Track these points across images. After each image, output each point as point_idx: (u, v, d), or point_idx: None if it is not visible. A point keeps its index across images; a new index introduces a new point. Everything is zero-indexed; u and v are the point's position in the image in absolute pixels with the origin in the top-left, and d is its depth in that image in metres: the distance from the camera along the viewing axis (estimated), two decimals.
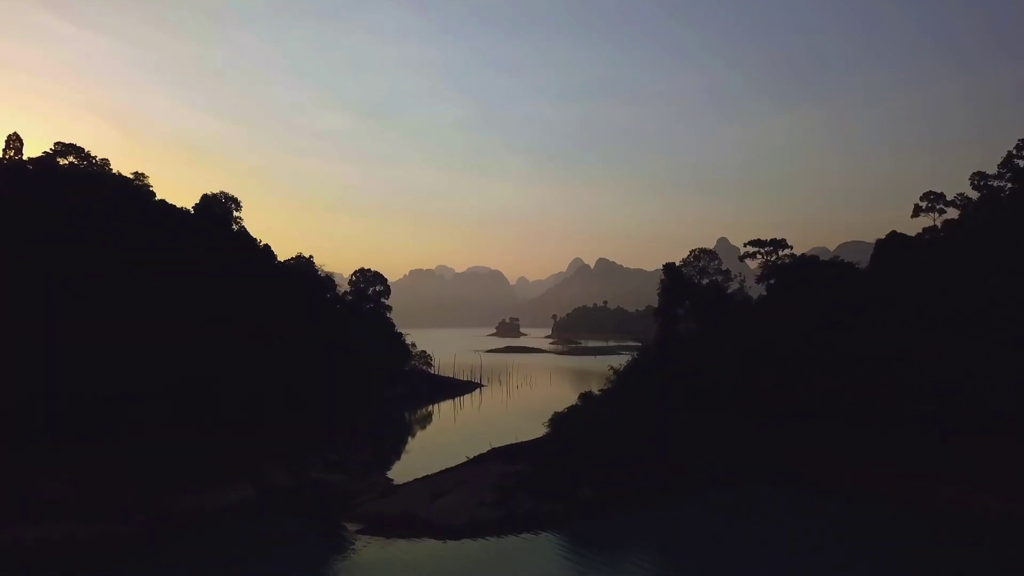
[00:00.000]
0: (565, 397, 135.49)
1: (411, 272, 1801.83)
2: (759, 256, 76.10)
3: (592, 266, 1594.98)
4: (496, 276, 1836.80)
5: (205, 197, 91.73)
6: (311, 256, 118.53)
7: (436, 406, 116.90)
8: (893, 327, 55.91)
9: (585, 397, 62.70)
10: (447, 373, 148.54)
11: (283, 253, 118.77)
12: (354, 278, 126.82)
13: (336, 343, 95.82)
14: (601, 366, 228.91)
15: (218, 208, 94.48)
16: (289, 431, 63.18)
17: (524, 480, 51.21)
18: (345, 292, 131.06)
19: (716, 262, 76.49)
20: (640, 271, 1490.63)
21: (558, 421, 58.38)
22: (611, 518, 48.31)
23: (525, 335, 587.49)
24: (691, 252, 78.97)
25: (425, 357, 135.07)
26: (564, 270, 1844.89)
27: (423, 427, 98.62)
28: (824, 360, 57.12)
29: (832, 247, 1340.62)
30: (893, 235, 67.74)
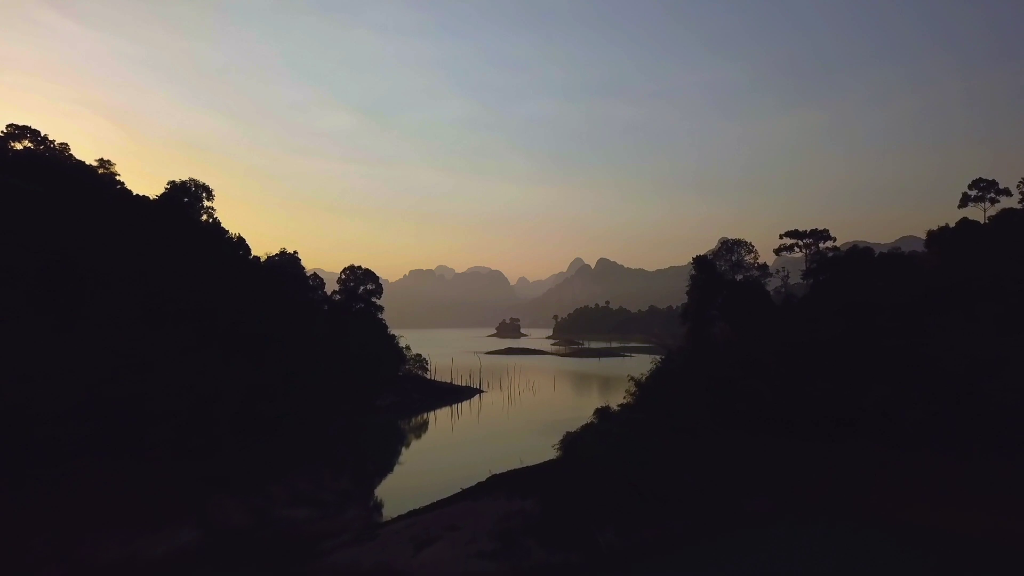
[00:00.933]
0: (571, 405, 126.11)
1: (411, 272, 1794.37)
2: (797, 249, 66.21)
3: (593, 266, 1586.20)
4: (496, 276, 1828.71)
5: (172, 185, 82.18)
6: (295, 252, 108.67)
7: (431, 414, 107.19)
8: (975, 329, 46.13)
9: (601, 413, 52.93)
10: (444, 377, 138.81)
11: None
12: (343, 276, 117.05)
13: (318, 348, 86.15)
14: (607, 369, 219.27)
15: (188, 197, 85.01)
16: (252, 455, 53.38)
17: (531, 522, 41.39)
18: (334, 292, 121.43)
19: (752, 254, 66.32)
20: (641, 271, 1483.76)
21: (570, 443, 48.65)
22: (639, 570, 38.70)
23: (526, 336, 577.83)
24: (721, 242, 68.56)
25: (420, 361, 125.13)
26: (565, 270, 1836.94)
27: (415, 441, 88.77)
28: (892, 370, 47.34)
29: (836, 246, 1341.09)
30: (965, 223, 58.03)
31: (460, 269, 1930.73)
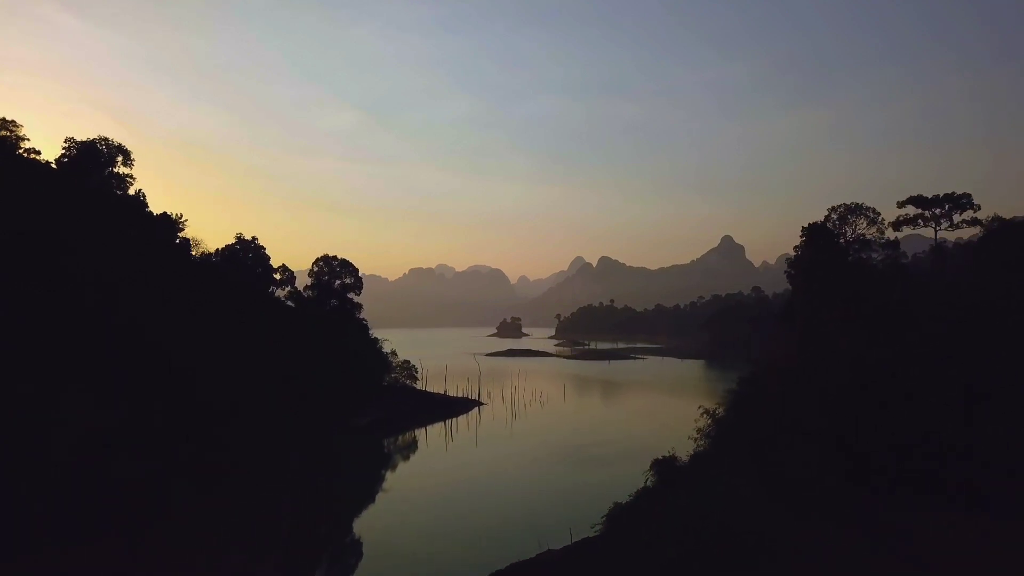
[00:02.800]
0: (587, 422, 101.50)
1: (411, 271, 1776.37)
2: (922, 223, 47.55)
3: (594, 265, 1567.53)
4: (497, 275, 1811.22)
5: (72, 144, 63.72)
6: (255, 238, 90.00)
7: (421, 432, 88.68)
8: None
9: (661, 468, 34.10)
10: (437, 385, 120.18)
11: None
12: (315, 269, 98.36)
13: (276, 359, 67.58)
14: (617, 373, 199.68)
15: (102, 160, 66.43)
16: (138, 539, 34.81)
17: None
18: (306, 287, 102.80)
19: (876, 226, 46.85)
20: (643, 270, 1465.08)
21: (621, 522, 29.98)
22: None
23: (527, 335, 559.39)
24: (833, 209, 48.50)
25: (409, 369, 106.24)
26: (565, 269, 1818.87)
27: (392, 477, 69.82)
28: None
29: None
30: None
31: (460, 268, 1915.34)
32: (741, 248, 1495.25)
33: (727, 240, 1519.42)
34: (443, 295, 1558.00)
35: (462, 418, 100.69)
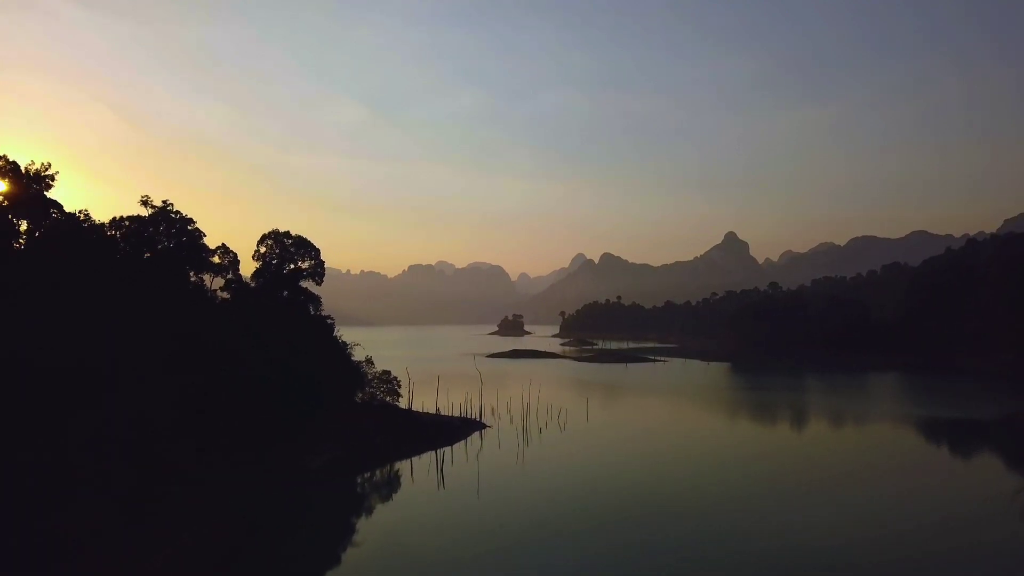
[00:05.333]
0: (627, 459, 70.89)
1: (410, 267, 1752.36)
2: None
3: (596, 261, 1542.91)
4: (497, 272, 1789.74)
5: None
6: (168, 203, 65.04)
7: (397, 472, 64.23)
8: None
9: None
10: (428, 400, 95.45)
11: None
12: (262, 250, 73.19)
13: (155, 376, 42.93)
14: (641, 379, 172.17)
15: None
16: None
17: None
18: (257, 272, 77.95)
19: None
20: (646, 266, 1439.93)
21: None
22: None
23: (529, 333, 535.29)
24: None
25: (388, 382, 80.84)
26: (567, 266, 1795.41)
27: (342, 552, 44.85)
28: None
29: (842, 243, 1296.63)
30: None
31: (460, 265, 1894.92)
32: (745, 245, 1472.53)
33: (730, 236, 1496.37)
34: (443, 292, 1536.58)
35: (459, 447, 75.95)
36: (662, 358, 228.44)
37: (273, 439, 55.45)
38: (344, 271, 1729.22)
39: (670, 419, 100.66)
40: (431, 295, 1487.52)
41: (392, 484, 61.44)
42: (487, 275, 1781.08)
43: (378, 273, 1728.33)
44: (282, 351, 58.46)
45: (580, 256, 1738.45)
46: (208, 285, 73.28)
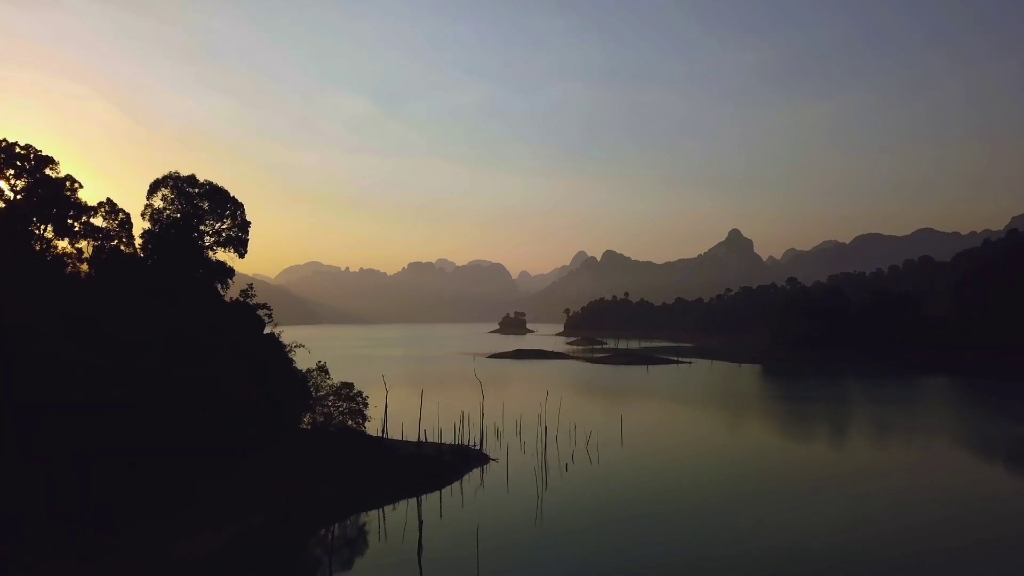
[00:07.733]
0: (709, 502, 46.32)
1: (410, 265, 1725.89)
2: None
3: (599, 259, 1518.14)
4: (498, 269, 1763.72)
5: None
6: (26, 144, 41.44)
7: (354, 538, 40.94)
8: None
9: None
10: (411, 415, 72.11)
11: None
12: (156, 202, 49.21)
13: None
14: (668, 383, 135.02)
15: None
16: None
17: None
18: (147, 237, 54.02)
19: None
20: (649, 264, 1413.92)
21: None
22: None
23: (532, 332, 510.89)
24: None
25: (352, 399, 56.87)
26: (568, 263, 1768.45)
27: None
28: None
29: (847, 240, 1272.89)
30: None
31: (461, 262, 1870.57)
32: (749, 242, 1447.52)
33: (735, 234, 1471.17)
34: (443, 290, 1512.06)
35: (451, 490, 52.45)
36: (685, 359, 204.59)
37: (120, 509, 31.96)
38: (344, 268, 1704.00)
39: (736, 443, 76.97)
40: (431, 293, 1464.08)
41: (343, 558, 37.79)
42: (488, 272, 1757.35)
43: (378, 270, 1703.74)
44: (152, 357, 35.04)
45: (582, 253, 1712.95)
46: (83, 254, 50.10)
